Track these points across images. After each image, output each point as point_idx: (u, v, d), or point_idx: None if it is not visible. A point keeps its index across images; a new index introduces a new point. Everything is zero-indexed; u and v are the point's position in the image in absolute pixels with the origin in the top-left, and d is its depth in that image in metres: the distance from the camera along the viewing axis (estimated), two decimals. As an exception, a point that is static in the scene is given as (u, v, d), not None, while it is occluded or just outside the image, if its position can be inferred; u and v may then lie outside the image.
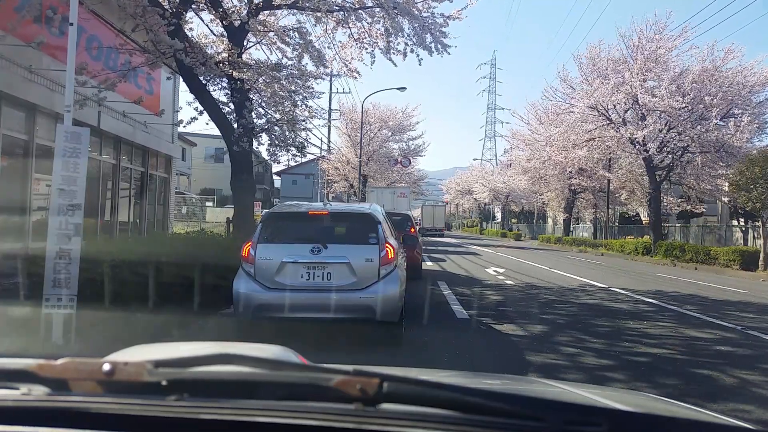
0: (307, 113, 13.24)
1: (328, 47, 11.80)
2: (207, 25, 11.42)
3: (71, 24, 5.47)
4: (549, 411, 0.94)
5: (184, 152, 33.68)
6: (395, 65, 11.27)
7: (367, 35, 11.06)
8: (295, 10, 10.86)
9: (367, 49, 11.24)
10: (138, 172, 15.46)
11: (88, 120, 10.50)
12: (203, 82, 10.81)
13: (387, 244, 6.03)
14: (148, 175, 15.93)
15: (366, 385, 0.91)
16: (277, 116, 12.48)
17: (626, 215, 39.13)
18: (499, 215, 67.69)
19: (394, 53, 10.92)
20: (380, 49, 11.03)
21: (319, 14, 10.55)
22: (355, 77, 11.95)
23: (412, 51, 10.89)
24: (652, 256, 24.86)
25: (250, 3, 10.52)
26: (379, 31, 10.87)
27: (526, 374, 4.99)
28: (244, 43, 11.06)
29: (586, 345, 6.60)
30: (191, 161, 40.97)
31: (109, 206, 13.76)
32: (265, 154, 14.53)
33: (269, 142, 12.65)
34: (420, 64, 11.22)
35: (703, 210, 30.67)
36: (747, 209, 21.09)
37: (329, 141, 36.59)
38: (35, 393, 0.99)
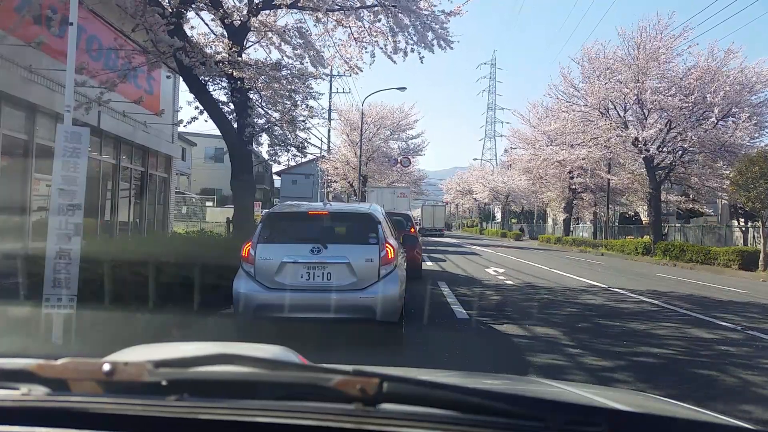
0: (306, 113, 13.24)
1: (328, 46, 11.80)
2: (207, 25, 11.44)
3: (71, 24, 5.47)
4: (549, 411, 0.94)
5: (184, 152, 33.65)
6: (395, 63, 11.25)
7: (367, 34, 11.05)
8: (296, 10, 10.86)
9: (366, 48, 11.23)
10: (138, 172, 15.46)
11: (88, 120, 10.49)
12: (203, 81, 10.81)
13: (387, 244, 6.02)
14: (148, 175, 15.93)
15: (366, 385, 0.91)
16: (277, 116, 12.48)
17: (626, 215, 39.15)
18: (499, 215, 67.68)
19: (397, 52, 10.90)
20: (381, 48, 11.02)
21: (319, 14, 10.54)
22: (357, 73, 11.92)
23: (413, 50, 10.88)
24: (652, 256, 24.87)
25: (250, 2, 10.52)
26: (380, 30, 10.85)
27: (526, 374, 4.99)
28: (244, 43, 11.06)
29: (586, 345, 6.60)
30: (191, 161, 40.93)
31: (109, 206, 13.76)
32: (265, 154, 14.55)
33: (269, 142, 12.66)
34: (422, 62, 11.20)
35: (704, 210, 30.69)
36: (747, 209, 21.09)
37: (329, 141, 36.61)
38: (35, 393, 0.99)
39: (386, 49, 10.92)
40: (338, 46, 11.55)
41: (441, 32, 10.65)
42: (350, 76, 11.86)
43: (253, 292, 5.79)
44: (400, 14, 10.27)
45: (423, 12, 10.43)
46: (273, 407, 0.95)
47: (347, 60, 11.58)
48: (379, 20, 10.69)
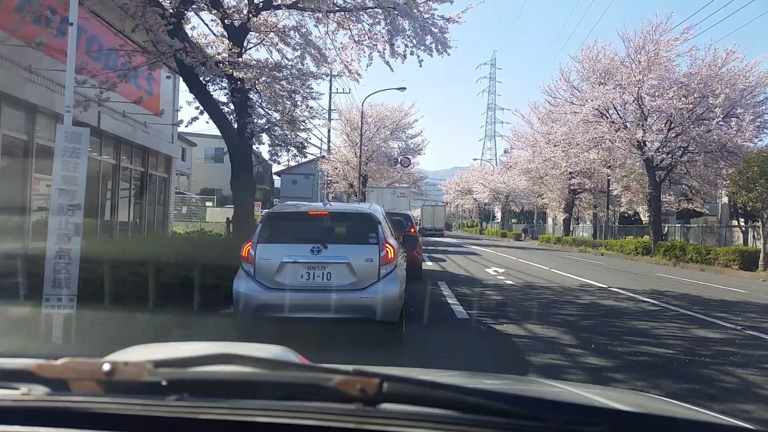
0: (307, 113, 13.25)
1: (329, 48, 11.80)
2: (207, 25, 11.44)
3: (71, 24, 5.47)
4: (549, 411, 0.94)
5: (184, 152, 33.64)
6: (392, 70, 11.28)
7: (367, 37, 11.05)
8: (296, 11, 10.86)
9: (365, 51, 11.23)
10: (138, 172, 15.46)
11: (88, 120, 10.49)
12: (203, 82, 10.81)
13: (387, 244, 6.02)
14: (148, 175, 15.93)
15: (366, 385, 0.91)
16: (277, 116, 12.48)
17: (626, 215, 39.13)
18: (499, 215, 67.69)
19: (395, 56, 10.90)
20: (379, 52, 11.01)
21: (319, 15, 10.54)
22: (356, 79, 11.94)
23: (412, 53, 10.88)
24: (652, 256, 24.86)
25: (250, 3, 10.52)
26: (380, 33, 10.85)
27: (526, 374, 4.99)
28: (245, 43, 11.06)
29: (586, 345, 6.60)
30: (191, 161, 40.92)
31: (109, 206, 13.76)
32: (265, 154, 14.56)
33: (269, 142, 12.66)
34: (420, 66, 11.20)
35: (704, 210, 30.67)
36: (747, 209, 21.08)
37: (329, 141, 36.60)
38: (35, 393, 0.99)
39: (384, 53, 10.91)
40: (339, 49, 11.56)
41: (440, 36, 10.64)
42: (350, 79, 11.79)
43: (253, 292, 5.79)
44: (399, 17, 10.27)
45: (422, 16, 10.42)
46: (273, 407, 0.95)
47: (347, 64, 11.59)
48: (379, 23, 10.69)
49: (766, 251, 18.96)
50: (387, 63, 11.01)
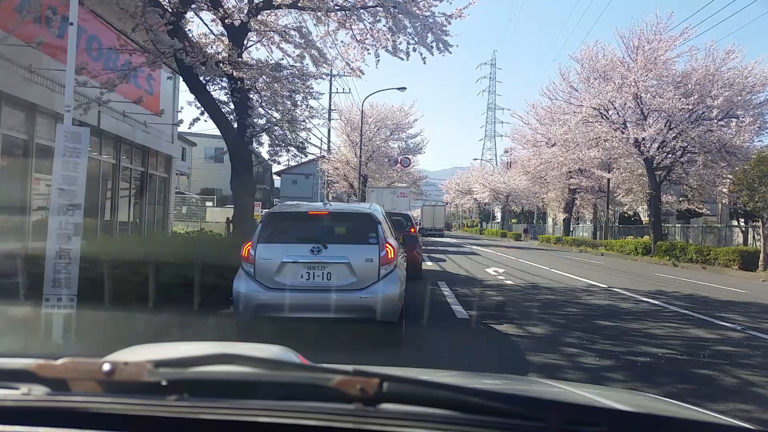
0: (307, 113, 13.25)
1: (331, 47, 11.79)
2: (206, 25, 11.43)
3: (71, 24, 5.47)
4: (549, 411, 0.94)
5: (184, 152, 33.65)
6: (402, 59, 11.16)
7: (369, 35, 11.04)
8: (296, 10, 10.85)
9: (369, 50, 11.20)
10: (138, 171, 15.46)
11: (88, 120, 10.49)
12: (203, 81, 10.80)
13: (387, 244, 6.03)
14: (148, 174, 15.93)
15: (366, 385, 0.91)
16: (277, 116, 12.48)
17: (626, 215, 39.13)
18: (499, 215, 67.70)
19: (397, 53, 10.87)
20: (384, 48, 10.99)
21: (319, 14, 10.53)
22: (359, 76, 11.90)
23: (414, 50, 10.86)
24: (651, 256, 24.87)
25: (250, 2, 10.51)
26: (381, 31, 10.83)
27: (526, 374, 4.98)
28: (245, 43, 11.06)
29: (586, 345, 6.60)
30: (191, 161, 40.93)
31: (109, 206, 13.76)
32: (265, 154, 14.55)
33: (269, 142, 12.66)
34: (424, 63, 11.11)
35: (706, 210, 30.67)
36: (748, 209, 21.09)
37: (329, 141, 36.60)
38: (35, 393, 0.99)
39: (389, 47, 10.88)
40: (340, 47, 11.55)
41: (440, 35, 10.62)
42: (352, 77, 11.79)
43: (253, 292, 5.79)
44: (399, 15, 10.25)
45: (423, 14, 10.40)
46: (273, 407, 0.95)
47: (349, 62, 11.57)
48: (379, 21, 10.67)
49: (766, 251, 18.96)
50: (396, 55, 10.95)
